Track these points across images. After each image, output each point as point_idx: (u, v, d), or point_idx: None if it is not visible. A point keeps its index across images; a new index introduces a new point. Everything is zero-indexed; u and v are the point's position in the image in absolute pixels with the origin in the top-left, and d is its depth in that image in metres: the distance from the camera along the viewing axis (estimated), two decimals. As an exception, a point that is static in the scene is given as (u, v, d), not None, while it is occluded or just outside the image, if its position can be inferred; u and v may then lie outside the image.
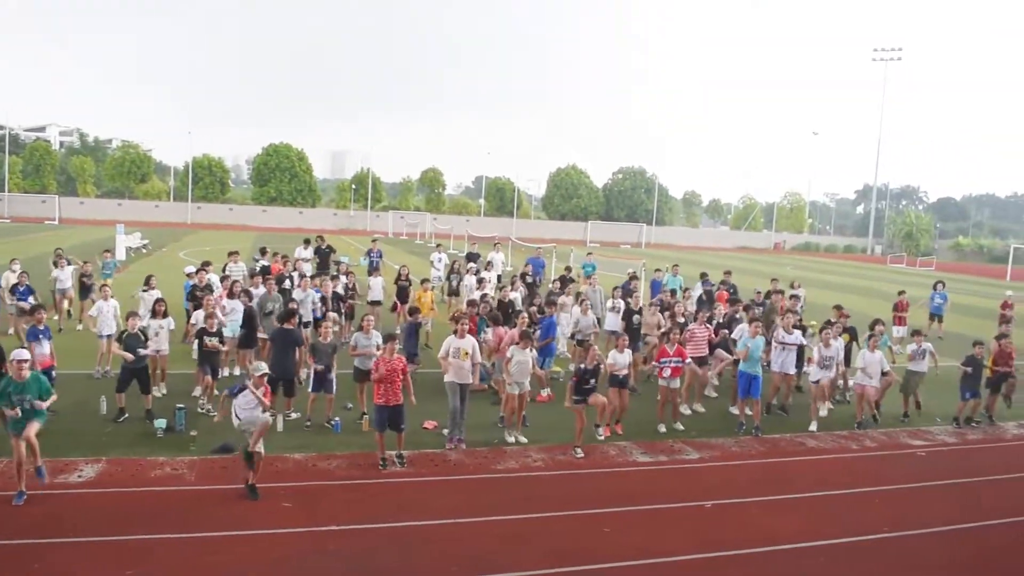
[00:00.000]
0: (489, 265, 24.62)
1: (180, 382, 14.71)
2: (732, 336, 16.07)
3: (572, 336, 17.69)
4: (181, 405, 12.72)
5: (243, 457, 10.19)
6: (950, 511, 11.01)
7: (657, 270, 25.07)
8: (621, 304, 18.09)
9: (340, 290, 19.09)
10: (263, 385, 10.32)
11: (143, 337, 13.14)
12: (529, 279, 22.92)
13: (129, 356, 12.70)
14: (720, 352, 15.99)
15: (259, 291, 16.56)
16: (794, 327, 15.50)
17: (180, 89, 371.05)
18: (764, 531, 9.92)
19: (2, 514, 9.09)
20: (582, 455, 12.38)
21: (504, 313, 16.82)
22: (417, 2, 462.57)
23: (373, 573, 8.33)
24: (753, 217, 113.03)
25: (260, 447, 10.13)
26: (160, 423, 12.24)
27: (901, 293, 24.95)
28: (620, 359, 13.64)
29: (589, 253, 34.62)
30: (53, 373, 12.40)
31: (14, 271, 18.25)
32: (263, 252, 23.32)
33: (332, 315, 17.18)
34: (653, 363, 14.76)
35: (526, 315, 15.27)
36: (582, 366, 12.54)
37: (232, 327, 15.10)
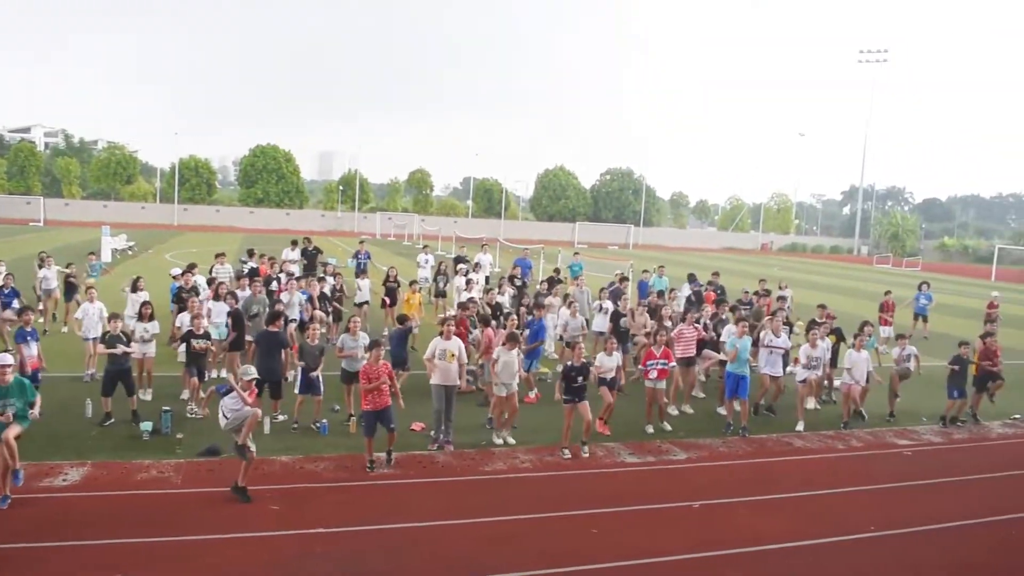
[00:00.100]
0: (477, 266, 24.61)
1: (166, 385, 14.62)
2: (720, 339, 16.12)
3: (560, 337, 17.71)
4: (167, 408, 12.64)
5: (236, 452, 10.12)
6: (936, 510, 11.08)
7: (645, 271, 25.13)
8: (609, 305, 18.13)
9: (327, 291, 19.05)
10: (251, 389, 10.29)
11: (126, 339, 13.06)
12: (518, 281, 22.93)
13: (116, 349, 12.63)
14: (707, 352, 16.05)
15: (245, 293, 16.49)
16: (783, 324, 15.57)
17: (167, 90, 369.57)
18: (752, 531, 9.95)
19: (-14, 519, 9.01)
20: (569, 456, 12.38)
21: (492, 315, 16.80)
22: (416, 2, 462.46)
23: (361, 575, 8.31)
24: (740, 218, 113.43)
25: (252, 445, 10.09)
26: (146, 426, 12.16)
27: (887, 293, 25.08)
28: (607, 361, 13.66)
29: (576, 253, 34.62)
30: (39, 375, 12.33)
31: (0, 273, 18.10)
32: (250, 254, 23.24)
33: (319, 314, 17.15)
34: (639, 366, 14.76)
35: (515, 317, 15.29)
36: (569, 363, 12.55)
37: (217, 329, 15.02)
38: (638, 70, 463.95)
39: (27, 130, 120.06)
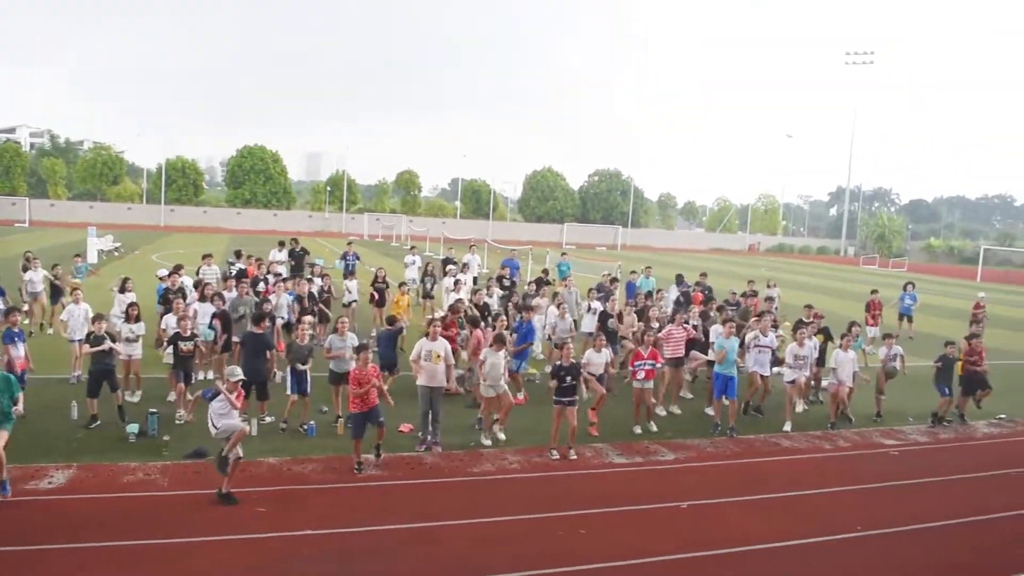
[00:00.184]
0: (465, 267, 24.59)
1: (153, 386, 14.54)
2: (709, 339, 16.15)
3: (548, 338, 17.70)
4: (154, 410, 12.57)
5: (216, 465, 10.07)
6: (921, 510, 11.15)
7: (632, 272, 25.16)
8: (598, 306, 18.14)
9: (315, 291, 18.98)
10: (237, 390, 10.25)
11: (111, 339, 12.98)
12: (507, 281, 22.91)
13: (102, 346, 12.56)
14: (695, 352, 16.09)
15: (232, 294, 16.42)
16: (771, 325, 15.63)
17: (154, 90, 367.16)
18: (740, 531, 9.99)
19: (-31, 522, 8.93)
20: (557, 457, 12.39)
21: (480, 316, 16.78)
22: (414, 2, 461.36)
23: (349, 578, 8.28)
24: (728, 219, 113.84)
25: (239, 451, 10.05)
26: (132, 428, 12.10)
27: (874, 292, 25.16)
28: (596, 358, 13.69)
29: (563, 253, 34.62)
30: (25, 376, 12.25)
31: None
32: (238, 256, 23.12)
33: (308, 317, 17.06)
34: (629, 367, 14.78)
35: (504, 318, 15.27)
36: (559, 363, 12.54)
37: (201, 330, 14.93)
38: (637, 71, 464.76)
39: (12, 130, 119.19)
